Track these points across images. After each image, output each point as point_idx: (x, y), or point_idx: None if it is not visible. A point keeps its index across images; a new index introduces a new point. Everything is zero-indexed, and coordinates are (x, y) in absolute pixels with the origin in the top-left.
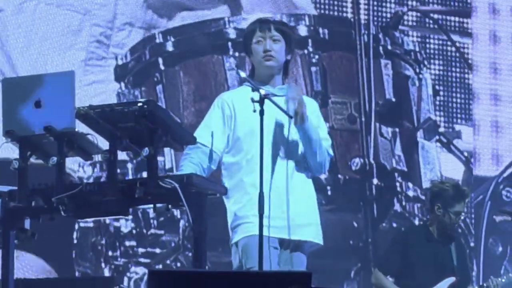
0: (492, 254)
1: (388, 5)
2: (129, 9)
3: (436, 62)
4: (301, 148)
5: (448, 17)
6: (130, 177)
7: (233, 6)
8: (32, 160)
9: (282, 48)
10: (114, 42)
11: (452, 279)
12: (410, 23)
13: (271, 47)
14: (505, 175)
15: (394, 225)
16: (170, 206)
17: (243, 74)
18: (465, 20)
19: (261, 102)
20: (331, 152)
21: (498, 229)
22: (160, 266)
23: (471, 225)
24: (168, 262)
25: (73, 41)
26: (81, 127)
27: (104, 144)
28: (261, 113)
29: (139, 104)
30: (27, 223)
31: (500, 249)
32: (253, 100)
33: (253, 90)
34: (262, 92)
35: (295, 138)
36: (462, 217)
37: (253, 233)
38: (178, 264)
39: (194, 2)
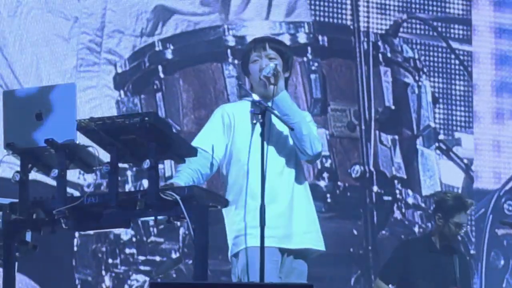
0: (494, 268)
1: (387, 12)
2: (117, 17)
3: (435, 69)
4: (298, 155)
5: (448, 25)
6: (130, 184)
7: (230, 13)
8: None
9: (279, 66)
10: (105, 48)
11: None
12: (409, 30)
13: (266, 65)
14: (506, 188)
15: (394, 232)
16: (171, 218)
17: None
18: (465, 27)
19: (262, 114)
20: (315, 131)
21: (500, 242)
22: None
23: (471, 233)
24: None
25: (64, 47)
26: (82, 139)
27: (105, 156)
28: (262, 125)
29: (140, 117)
30: (28, 236)
31: (502, 262)
32: (253, 112)
33: (253, 104)
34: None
35: (293, 147)
36: (464, 229)
37: (252, 245)
38: (181, 272)
39: (186, 8)
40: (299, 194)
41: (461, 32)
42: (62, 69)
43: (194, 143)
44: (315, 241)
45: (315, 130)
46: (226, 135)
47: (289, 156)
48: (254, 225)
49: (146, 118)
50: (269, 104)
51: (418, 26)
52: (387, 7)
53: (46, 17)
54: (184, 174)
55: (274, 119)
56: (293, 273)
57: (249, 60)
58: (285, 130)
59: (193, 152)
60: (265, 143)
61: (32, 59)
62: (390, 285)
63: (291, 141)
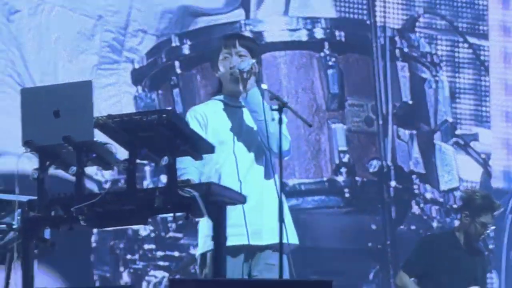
0: None
1: (404, 7)
2: (142, 16)
3: (453, 64)
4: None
5: (464, 19)
6: (148, 180)
7: (248, 10)
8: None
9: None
10: (127, 47)
11: None
12: (426, 25)
13: (237, 63)
14: None
15: (413, 227)
16: (189, 215)
17: (264, 86)
18: (480, 22)
19: (280, 110)
20: (284, 130)
21: None
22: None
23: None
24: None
25: (86, 46)
26: (100, 136)
27: (123, 153)
28: (280, 121)
29: (158, 114)
30: (47, 233)
31: None
32: (272, 109)
33: (271, 99)
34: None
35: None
36: (489, 230)
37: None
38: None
39: (209, 8)
40: (268, 190)
41: (478, 27)
42: (81, 67)
43: None
44: (287, 235)
45: (285, 130)
46: (204, 134)
47: (258, 152)
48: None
49: (164, 115)
50: (241, 101)
51: (434, 21)
52: (404, 2)
53: (68, 15)
54: (192, 171)
55: (246, 115)
56: (271, 270)
57: (219, 57)
58: (255, 126)
59: (211, 148)
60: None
61: (51, 57)
62: (412, 278)
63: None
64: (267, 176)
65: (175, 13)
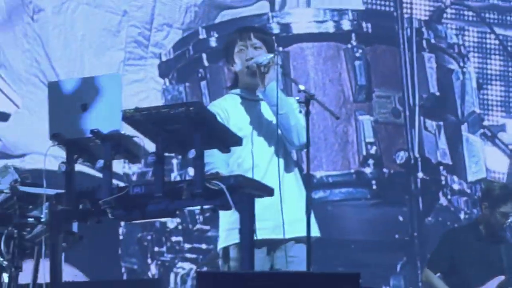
0: None
1: None
2: (166, 10)
3: (480, 55)
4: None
5: (492, 10)
6: (175, 172)
7: (273, 2)
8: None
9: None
10: (153, 42)
11: (501, 278)
12: (453, 16)
13: (253, 55)
14: None
15: (440, 219)
16: (217, 207)
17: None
18: (508, 13)
19: (306, 103)
20: (302, 121)
21: None
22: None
23: None
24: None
25: (111, 42)
26: (127, 129)
27: (150, 146)
28: (307, 114)
29: (185, 106)
30: (74, 226)
31: None
32: (298, 101)
33: (298, 91)
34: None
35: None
36: (510, 219)
37: None
38: None
39: (234, 1)
40: (289, 183)
41: (505, 17)
42: (108, 63)
43: None
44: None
45: (302, 120)
46: None
47: (278, 146)
48: None
49: (191, 108)
50: (259, 94)
51: (462, 12)
52: None
53: (92, 12)
54: (221, 164)
55: (264, 109)
56: (292, 263)
57: (234, 49)
58: (274, 119)
59: (238, 140)
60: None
61: (77, 55)
62: (438, 274)
63: (279, 131)
64: (287, 169)
65: (200, 7)
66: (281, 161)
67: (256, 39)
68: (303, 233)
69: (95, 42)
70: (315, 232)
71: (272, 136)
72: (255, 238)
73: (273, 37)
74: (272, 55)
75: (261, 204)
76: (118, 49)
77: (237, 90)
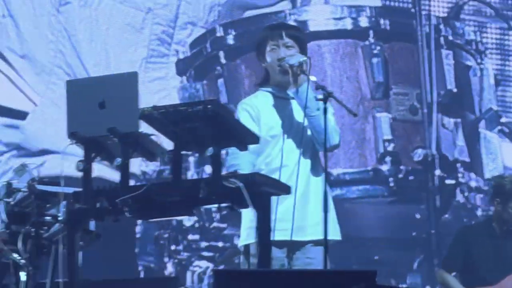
0: None
1: None
2: (191, 8)
3: (498, 52)
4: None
5: (510, 6)
6: (192, 170)
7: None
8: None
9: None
10: (176, 40)
11: None
12: (471, 12)
13: (285, 54)
14: None
15: (457, 216)
16: (234, 205)
17: (313, 78)
18: None
19: (325, 100)
20: (333, 123)
21: None
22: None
23: None
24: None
25: (135, 38)
26: (145, 127)
27: (168, 144)
28: (325, 111)
29: (203, 104)
30: (92, 225)
31: None
32: (316, 99)
33: (316, 89)
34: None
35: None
36: None
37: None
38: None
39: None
40: (315, 185)
41: None
42: (132, 59)
43: None
44: (330, 231)
45: (334, 122)
46: (256, 127)
47: (306, 147)
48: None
49: (209, 106)
50: (289, 93)
51: (479, 9)
52: None
53: (117, 7)
54: (246, 166)
55: (295, 109)
56: (311, 265)
57: (266, 48)
58: (304, 120)
59: (256, 139)
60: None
61: (102, 49)
62: (454, 273)
63: (309, 132)
64: (314, 171)
65: (223, 6)
66: (308, 162)
67: (288, 38)
68: (322, 236)
69: (118, 38)
70: (336, 235)
71: (302, 137)
72: (275, 238)
73: (304, 34)
74: (304, 57)
75: (285, 205)
76: (142, 46)
77: (269, 88)
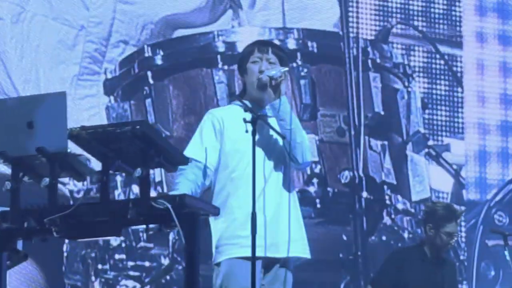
0: (484, 278)
1: (377, 18)
2: (124, 27)
3: (425, 75)
4: (286, 162)
5: (438, 29)
6: (119, 190)
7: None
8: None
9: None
10: (108, 58)
11: None
12: (399, 36)
13: (266, 68)
14: (497, 199)
15: (384, 238)
16: (162, 226)
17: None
18: (454, 32)
19: (253, 122)
20: (307, 140)
21: (490, 253)
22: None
23: (461, 240)
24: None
25: (67, 56)
26: (74, 147)
27: (96, 164)
28: (253, 133)
29: (131, 125)
30: (19, 244)
31: (493, 273)
32: (245, 121)
33: (245, 110)
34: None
35: (282, 153)
36: (455, 238)
37: (237, 255)
38: (171, 278)
39: (195, 19)
40: (286, 201)
41: (452, 37)
42: (63, 76)
43: (187, 153)
44: (301, 249)
45: (308, 140)
46: (218, 140)
47: (278, 161)
48: (239, 234)
49: (137, 127)
50: (265, 109)
51: (407, 32)
52: (377, 12)
53: (50, 24)
54: (183, 186)
55: (266, 125)
56: (278, 281)
57: (248, 59)
58: (275, 134)
59: (185, 160)
60: (257, 150)
61: (32, 66)
62: None
63: (280, 146)
64: (285, 187)
65: (156, 24)
66: (279, 178)
67: (273, 54)
68: (295, 253)
69: (49, 54)
70: (305, 253)
71: (272, 152)
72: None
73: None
74: (285, 68)
75: (259, 221)
76: (74, 63)
77: (243, 102)
